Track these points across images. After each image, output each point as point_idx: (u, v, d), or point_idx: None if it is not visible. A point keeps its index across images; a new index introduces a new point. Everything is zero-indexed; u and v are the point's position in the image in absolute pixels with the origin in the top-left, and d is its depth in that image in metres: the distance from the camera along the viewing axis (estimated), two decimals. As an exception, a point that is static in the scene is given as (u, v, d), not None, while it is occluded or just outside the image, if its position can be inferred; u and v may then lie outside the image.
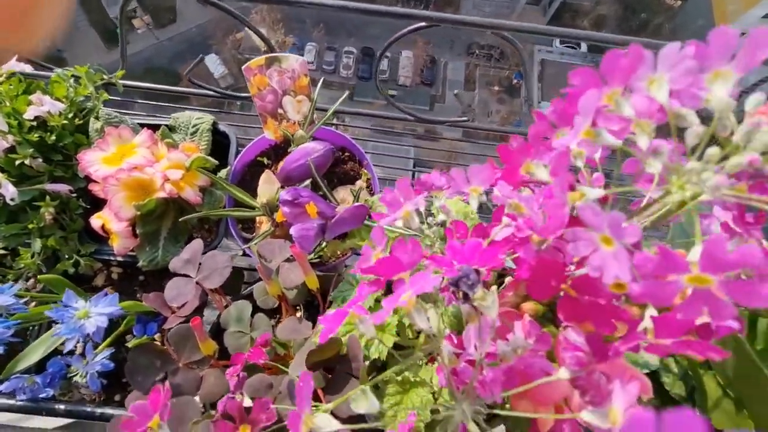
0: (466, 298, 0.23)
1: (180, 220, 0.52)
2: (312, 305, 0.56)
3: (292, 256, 0.48)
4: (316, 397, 0.38)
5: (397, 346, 0.48)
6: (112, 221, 0.54)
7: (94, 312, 0.41)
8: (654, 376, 0.48)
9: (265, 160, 0.63)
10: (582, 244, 0.19)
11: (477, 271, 0.23)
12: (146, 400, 0.29)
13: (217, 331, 0.52)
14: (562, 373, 0.23)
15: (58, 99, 0.56)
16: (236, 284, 0.62)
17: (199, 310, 0.53)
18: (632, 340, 0.21)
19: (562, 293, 0.23)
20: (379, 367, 0.46)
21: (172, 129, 0.63)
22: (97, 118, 0.56)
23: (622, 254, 0.17)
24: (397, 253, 0.24)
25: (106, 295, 0.43)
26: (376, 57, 0.71)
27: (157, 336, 0.56)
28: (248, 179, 0.63)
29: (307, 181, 0.53)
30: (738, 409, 0.37)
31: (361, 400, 0.21)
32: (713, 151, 0.18)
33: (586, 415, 0.22)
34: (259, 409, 0.28)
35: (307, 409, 0.21)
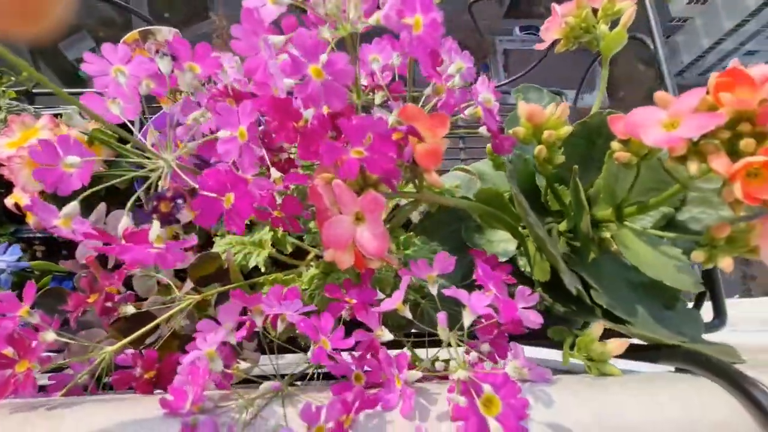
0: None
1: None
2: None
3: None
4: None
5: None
6: (23, 198, 0.59)
7: (-6, 260, 0.47)
8: (513, 261, 0.55)
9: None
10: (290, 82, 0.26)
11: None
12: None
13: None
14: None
15: (-38, 97, 0.62)
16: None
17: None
18: (337, 153, 0.27)
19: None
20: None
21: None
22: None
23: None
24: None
25: (7, 248, 0.49)
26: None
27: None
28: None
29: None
30: (540, 256, 0.45)
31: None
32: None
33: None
34: (104, 280, 0.34)
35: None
